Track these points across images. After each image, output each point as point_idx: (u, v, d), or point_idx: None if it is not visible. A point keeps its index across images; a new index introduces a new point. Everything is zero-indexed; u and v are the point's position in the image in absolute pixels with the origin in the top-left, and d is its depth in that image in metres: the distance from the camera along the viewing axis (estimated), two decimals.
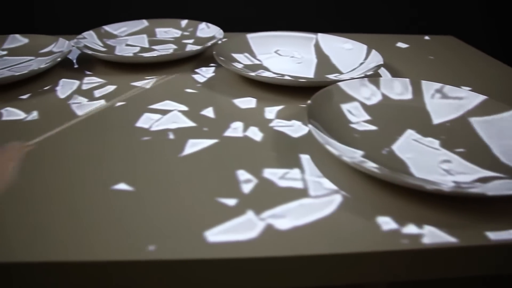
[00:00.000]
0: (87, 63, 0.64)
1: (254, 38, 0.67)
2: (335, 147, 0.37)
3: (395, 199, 0.35)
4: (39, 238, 0.30)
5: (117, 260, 0.29)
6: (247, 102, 0.52)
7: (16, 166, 0.39)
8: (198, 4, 0.96)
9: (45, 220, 0.32)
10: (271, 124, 0.47)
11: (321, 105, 0.46)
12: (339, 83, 0.50)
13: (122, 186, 0.36)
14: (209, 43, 0.63)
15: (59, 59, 0.57)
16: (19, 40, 0.68)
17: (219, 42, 0.66)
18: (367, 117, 0.48)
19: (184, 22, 0.76)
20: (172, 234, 0.31)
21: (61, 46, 0.64)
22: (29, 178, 0.37)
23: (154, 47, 0.68)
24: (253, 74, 0.53)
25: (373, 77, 0.52)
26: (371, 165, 0.35)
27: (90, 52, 0.60)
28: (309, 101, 0.44)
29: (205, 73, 0.60)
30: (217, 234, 0.31)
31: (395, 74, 0.62)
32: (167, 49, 0.67)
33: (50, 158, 0.40)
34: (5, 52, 0.65)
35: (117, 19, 0.76)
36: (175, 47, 0.68)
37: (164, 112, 0.49)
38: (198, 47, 0.62)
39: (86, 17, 0.97)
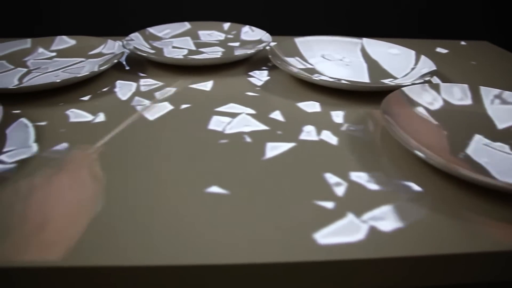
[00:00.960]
0: (138, 65, 0.64)
1: (302, 42, 0.68)
2: (422, 151, 0.38)
3: (484, 201, 0.35)
4: (137, 243, 0.30)
5: (222, 263, 0.28)
6: (311, 106, 0.52)
7: (95, 170, 0.39)
8: (202, 8, 0.96)
9: (145, 224, 0.32)
10: (342, 128, 0.47)
11: (393, 110, 0.46)
12: (403, 89, 0.50)
13: (215, 189, 0.36)
14: (261, 46, 0.63)
15: (115, 60, 0.56)
16: (66, 41, 0.67)
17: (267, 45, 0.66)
18: (434, 122, 0.48)
19: (226, 25, 0.76)
20: (280, 237, 0.31)
21: (111, 47, 0.63)
22: (111, 181, 0.37)
23: (202, 49, 0.68)
24: (317, 78, 0.53)
25: (430, 83, 0.53)
26: (465, 171, 0.36)
27: (144, 54, 0.60)
28: (382, 106, 0.45)
29: (259, 76, 0.60)
30: (326, 237, 0.31)
31: (444, 79, 0.63)
32: (215, 52, 0.67)
33: (127, 161, 0.40)
34: (54, 54, 0.65)
35: (120, 22, 0.76)
36: (222, 49, 0.68)
37: (232, 115, 0.49)
38: (252, 50, 0.62)
39: (89, 19, 0.96)
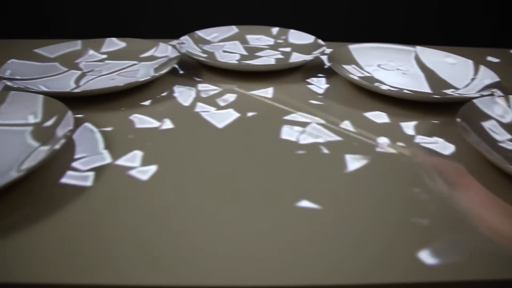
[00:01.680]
0: (191, 69, 0.62)
1: (356, 49, 0.66)
2: None
3: None
4: (225, 260, 0.28)
5: (322, 284, 0.27)
6: (378, 116, 0.50)
7: None
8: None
9: (231, 240, 0.30)
10: (416, 140, 0.45)
11: (471, 123, 0.44)
12: (474, 101, 0.49)
13: (305, 203, 0.34)
14: (317, 53, 0.62)
15: (174, 65, 0.55)
16: (116, 43, 0.66)
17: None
18: (509, 136, 0.47)
19: (275, 30, 0.74)
20: (384, 255, 0.29)
21: (164, 51, 0.62)
22: (186, 192, 0.35)
23: (257, 54, 0.66)
24: (385, 88, 0.51)
25: (496, 95, 0.51)
26: None
27: (201, 59, 0.59)
28: (458, 119, 0.43)
29: (318, 84, 0.59)
30: (431, 256, 0.29)
31: (505, 91, 0.61)
32: (268, 57, 0.65)
33: (204, 171, 0.38)
34: (105, 56, 0.63)
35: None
36: (275, 55, 0.66)
37: (301, 124, 0.47)
38: (309, 57, 0.61)
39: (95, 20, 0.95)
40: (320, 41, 0.67)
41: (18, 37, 0.79)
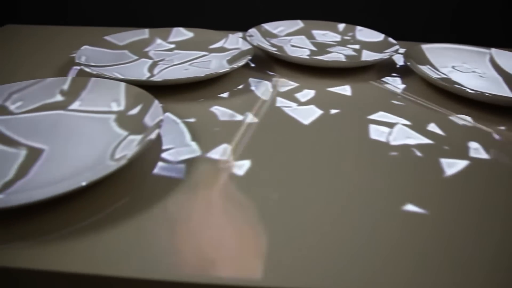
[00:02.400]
0: (261, 62, 0.61)
1: (429, 49, 0.64)
2: None
3: None
4: (323, 264, 0.27)
5: None
6: (463, 120, 0.48)
7: None
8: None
9: (328, 243, 0.28)
10: (508, 147, 0.43)
11: None
12: None
13: (410, 207, 0.33)
14: (392, 51, 0.60)
15: (249, 57, 0.53)
16: (183, 33, 0.65)
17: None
18: None
19: (341, 26, 0.72)
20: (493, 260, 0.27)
21: (234, 43, 0.60)
22: (285, 189, 0.34)
23: (328, 49, 0.65)
24: (471, 92, 0.49)
25: None
26: None
27: (277, 53, 0.57)
28: None
29: (393, 83, 0.56)
30: None
31: None
32: (337, 53, 0.63)
33: (296, 170, 0.37)
34: (173, 45, 0.62)
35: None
36: (344, 51, 0.64)
37: (388, 124, 0.45)
38: (384, 55, 0.58)
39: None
40: (391, 40, 0.65)
41: (33, 23, 0.79)
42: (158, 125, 0.37)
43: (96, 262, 0.26)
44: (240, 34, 0.64)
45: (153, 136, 0.35)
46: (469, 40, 0.70)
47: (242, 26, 0.69)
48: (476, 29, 0.98)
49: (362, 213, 0.31)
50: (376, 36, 0.67)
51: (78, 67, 0.56)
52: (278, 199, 0.32)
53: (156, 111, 0.40)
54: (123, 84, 0.44)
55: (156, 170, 0.36)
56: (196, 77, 0.47)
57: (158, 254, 0.27)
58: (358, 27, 0.71)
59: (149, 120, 0.39)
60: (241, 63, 0.51)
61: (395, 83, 0.56)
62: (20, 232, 0.28)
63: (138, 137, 0.37)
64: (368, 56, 0.61)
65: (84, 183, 0.29)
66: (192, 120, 0.44)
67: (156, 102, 0.41)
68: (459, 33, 0.99)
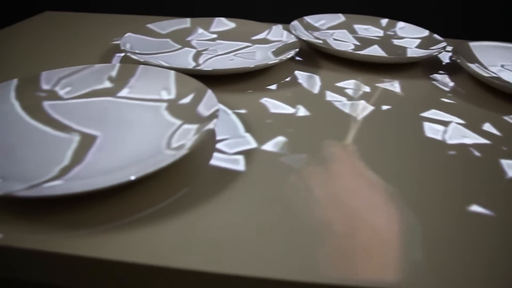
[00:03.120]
0: (305, 54, 0.59)
1: (477, 47, 0.62)
2: None
3: None
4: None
5: None
6: None
7: None
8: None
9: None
10: None
11: None
12: None
13: (476, 208, 0.31)
14: (440, 48, 0.58)
15: (296, 49, 0.52)
16: (225, 23, 0.64)
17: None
18: None
19: (384, 21, 0.70)
20: None
21: (278, 35, 0.59)
22: (346, 185, 0.33)
23: (370, 44, 0.63)
24: None
25: None
26: None
27: (323, 45, 0.56)
28: None
29: (442, 81, 0.55)
30: None
31: None
32: (381, 49, 0.62)
33: (354, 164, 0.35)
34: (215, 35, 0.61)
35: None
36: (387, 47, 0.63)
37: (442, 123, 0.44)
38: (433, 51, 0.57)
39: None
40: (437, 36, 0.63)
41: (53, 9, 0.78)
42: (215, 114, 0.36)
43: (156, 253, 0.26)
44: (279, 26, 0.63)
45: (211, 125, 0.34)
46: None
47: (277, 18, 0.69)
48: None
49: (423, 213, 0.30)
50: (420, 32, 0.66)
51: (121, 54, 0.55)
52: (340, 195, 0.31)
53: (210, 101, 0.39)
54: (172, 72, 0.44)
55: (213, 161, 0.35)
56: (246, 68, 0.46)
57: (222, 247, 0.26)
58: (401, 23, 0.69)
59: (203, 110, 0.38)
60: (289, 55, 0.50)
61: (444, 81, 0.55)
62: (78, 220, 0.28)
63: (194, 127, 0.36)
64: (413, 52, 0.60)
65: (149, 171, 0.28)
66: (243, 111, 0.43)
67: (210, 91, 0.40)
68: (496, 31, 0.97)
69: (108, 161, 0.33)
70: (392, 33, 0.68)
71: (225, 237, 0.27)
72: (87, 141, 0.36)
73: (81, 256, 0.25)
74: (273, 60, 0.49)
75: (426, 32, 0.65)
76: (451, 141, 0.41)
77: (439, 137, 0.41)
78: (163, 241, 0.26)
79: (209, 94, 0.40)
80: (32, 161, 0.33)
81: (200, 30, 0.62)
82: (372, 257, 0.26)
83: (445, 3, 0.95)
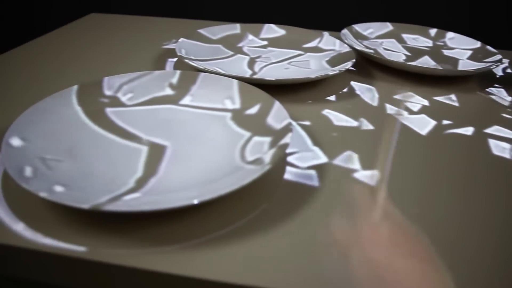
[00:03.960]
0: (355, 64, 0.59)
1: None
2: None
3: None
4: None
5: None
6: None
7: None
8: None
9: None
10: None
11: None
12: None
13: None
14: (494, 61, 0.57)
15: (353, 60, 0.51)
16: (274, 30, 0.63)
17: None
18: None
19: (433, 31, 0.69)
20: None
21: (331, 43, 0.59)
22: (425, 203, 0.32)
23: (421, 55, 0.62)
24: None
25: None
26: None
27: (376, 55, 0.55)
28: None
29: (499, 95, 0.54)
30: None
31: None
32: (432, 59, 0.61)
33: (429, 180, 0.35)
34: (265, 42, 0.61)
35: None
36: (438, 57, 0.62)
37: (507, 140, 0.43)
38: (488, 64, 0.56)
39: None
40: (490, 48, 0.62)
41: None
42: (289, 128, 0.35)
43: (238, 271, 0.25)
44: (326, 33, 0.62)
45: (287, 139, 0.34)
46: None
47: (321, 25, 0.68)
48: None
49: (498, 240, 0.29)
50: (471, 43, 0.65)
51: (174, 59, 0.55)
52: (419, 215, 0.31)
53: (280, 113, 0.38)
54: (235, 81, 0.43)
55: (286, 175, 0.34)
56: (308, 78, 0.45)
57: (305, 269, 0.26)
58: (450, 33, 0.68)
59: (274, 122, 0.38)
60: (347, 65, 0.49)
61: (501, 95, 0.54)
62: (158, 235, 0.27)
63: (267, 139, 0.36)
64: (466, 64, 0.59)
65: (235, 187, 0.28)
66: (307, 123, 0.42)
67: (277, 103, 0.39)
68: None
69: (184, 174, 0.33)
70: (442, 44, 0.67)
71: (303, 256, 0.26)
72: (157, 151, 0.36)
73: (163, 272, 0.25)
74: (331, 70, 0.49)
75: (477, 43, 0.64)
76: None
77: (507, 155, 0.40)
78: (246, 258, 0.26)
79: (277, 105, 0.39)
80: (105, 171, 0.32)
81: (251, 37, 0.62)
82: None
83: (492, 13, 0.94)
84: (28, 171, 0.29)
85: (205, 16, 1.00)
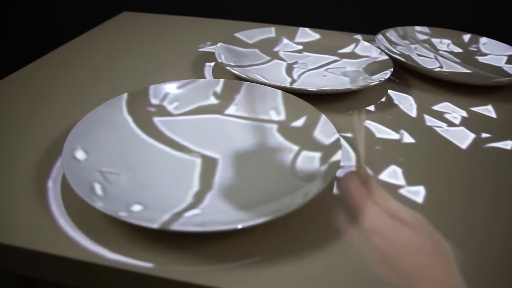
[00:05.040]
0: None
1: None
2: None
3: None
4: None
5: None
6: None
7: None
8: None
9: None
10: None
11: None
12: None
13: None
14: None
15: (391, 69, 0.52)
16: (309, 34, 0.64)
17: None
18: None
19: (466, 37, 0.69)
20: None
21: (367, 50, 0.59)
22: (470, 221, 0.33)
23: (458, 62, 0.62)
24: None
25: None
26: None
27: (412, 63, 0.55)
28: None
29: None
30: None
31: None
32: (465, 66, 0.61)
33: (472, 198, 0.35)
34: (301, 47, 0.61)
35: None
36: (472, 66, 0.62)
37: None
38: None
39: None
40: None
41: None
42: (339, 144, 0.36)
43: None
44: (361, 38, 0.63)
45: (338, 156, 0.34)
46: None
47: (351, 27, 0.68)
48: None
49: None
50: (505, 49, 0.64)
51: (212, 63, 0.56)
52: (465, 234, 0.31)
53: (327, 127, 0.39)
54: (279, 92, 0.44)
55: (335, 190, 0.35)
56: (349, 89, 0.46)
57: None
58: (483, 38, 0.68)
59: (321, 136, 0.38)
60: (386, 76, 0.49)
61: None
62: (217, 252, 0.29)
63: (317, 155, 0.36)
64: (502, 73, 0.59)
65: (292, 208, 0.29)
66: (349, 135, 0.43)
67: (324, 116, 0.40)
68: None
69: (238, 189, 0.34)
70: (475, 49, 0.67)
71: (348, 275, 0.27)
72: (209, 164, 0.37)
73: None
74: (370, 79, 0.49)
75: (502, 48, 0.64)
76: None
77: None
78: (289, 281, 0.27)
79: (324, 119, 0.40)
80: (162, 184, 0.33)
81: (286, 41, 0.62)
82: None
83: None
84: (97, 189, 0.30)
85: (236, 16, 1.00)
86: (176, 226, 0.27)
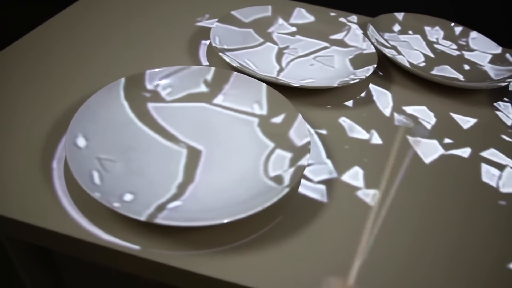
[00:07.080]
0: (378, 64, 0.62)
1: None
2: None
3: None
4: None
5: None
6: None
7: None
8: None
9: None
10: None
11: None
12: None
13: None
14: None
15: (374, 65, 0.55)
16: (304, 16, 0.66)
17: None
18: None
19: (458, 29, 0.71)
20: None
21: (355, 39, 0.62)
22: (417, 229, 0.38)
23: (443, 59, 0.65)
24: None
25: None
26: None
27: (393, 57, 0.59)
28: None
29: (506, 111, 0.58)
30: None
31: None
32: (449, 68, 0.64)
33: (419, 209, 0.40)
34: (294, 29, 0.64)
35: None
36: (458, 62, 0.64)
37: (498, 166, 0.47)
38: (503, 83, 0.59)
39: None
40: (510, 57, 0.64)
41: None
42: (308, 148, 0.41)
43: (258, 276, 0.32)
44: (353, 25, 0.65)
45: (305, 162, 0.39)
46: None
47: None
48: None
49: (469, 271, 0.35)
50: (492, 47, 0.67)
51: (207, 41, 0.59)
52: (408, 240, 0.37)
53: (301, 128, 0.43)
54: (264, 86, 0.48)
55: (301, 189, 0.41)
56: (329, 86, 0.50)
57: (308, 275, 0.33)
58: (474, 33, 0.70)
59: (295, 136, 0.43)
60: (368, 73, 0.53)
61: (507, 111, 0.57)
62: (194, 240, 0.34)
63: (288, 155, 0.41)
64: (482, 75, 0.61)
65: (265, 206, 0.34)
66: (323, 131, 0.47)
67: (300, 116, 0.44)
68: None
69: (215, 184, 0.39)
70: (464, 43, 0.69)
71: (306, 270, 0.33)
72: (194, 156, 0.41)
73: (201, 274, 0.32)
74: (352, 74, 0.53)
75: (499, 49, 0.66)
76: (503, 189, 0.44)
77: (493, 183, 0.44)
78: (265, 265, 0.33)
79: (300, 119, 0.44)
80: (151, 173, 0.38)
81: (281, 21, 0.64)
82: None
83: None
84: (96, 178, 0.36)
85: None
86: (159, 220, 0.33)
